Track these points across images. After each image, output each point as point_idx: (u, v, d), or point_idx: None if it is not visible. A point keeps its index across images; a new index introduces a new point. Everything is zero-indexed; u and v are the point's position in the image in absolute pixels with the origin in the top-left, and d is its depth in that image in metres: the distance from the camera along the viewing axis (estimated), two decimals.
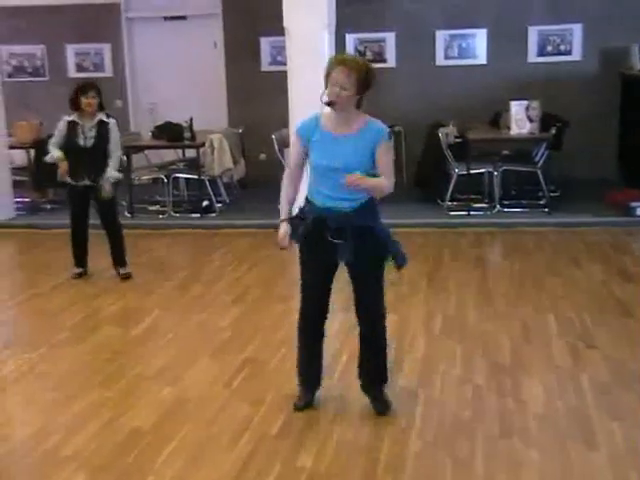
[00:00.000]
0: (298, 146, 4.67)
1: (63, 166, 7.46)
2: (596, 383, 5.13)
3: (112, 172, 7.59)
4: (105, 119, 7.60)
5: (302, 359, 4.96)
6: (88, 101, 7.42)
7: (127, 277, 7.86)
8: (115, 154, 7.66)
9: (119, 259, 7.91)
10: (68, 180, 7.57)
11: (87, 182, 7.56)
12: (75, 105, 7.48)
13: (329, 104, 4.43)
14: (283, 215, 4.73)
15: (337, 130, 4.55)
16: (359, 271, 4.75)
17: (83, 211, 7.77)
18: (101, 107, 7.60)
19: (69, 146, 7.50)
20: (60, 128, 7.54)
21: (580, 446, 4.33)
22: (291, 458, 4.29)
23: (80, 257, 7.87)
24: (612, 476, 4.03)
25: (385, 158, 4.57)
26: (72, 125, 7.50)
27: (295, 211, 4.74)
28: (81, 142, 7.50)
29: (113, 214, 7.94)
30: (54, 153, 7.50)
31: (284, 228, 4.71)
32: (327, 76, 4.47)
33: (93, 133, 7.52)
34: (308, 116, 4.69)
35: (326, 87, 4.46)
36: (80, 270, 7.84)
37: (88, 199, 7.70)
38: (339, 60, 4.50)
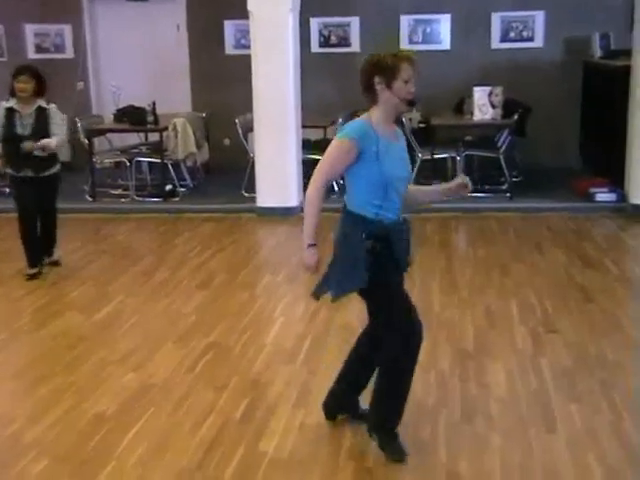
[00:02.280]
0: (350, 157, 4.00)
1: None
2: (557, 367, 5.20)
3: (50, 141, 7.09)
4: (45, 105, 7.20)
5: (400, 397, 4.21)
6: (20, 86, 7.01)
7: (56, 264, 7.69)
8: (58, 136, 7.20)
9: (50, 247, 7.66)
10: (9, 171, 7.27)
11: (29, 173, 7.21)
12: (12, 90, 7.09)
13: (411, 103, 4.06)
14: (311, 239, 4.14)
15: (390, 136, 4.10)
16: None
17: (31, 204, 7.35)
18: (40, 92, 7.17)
19: (8, 135, 7.11)
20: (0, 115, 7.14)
21: (540, 429, 4.39)
22: (254, 443, 4.31)
23: (34, 256, 7.43)
24: (570, 458, 4.09)
25: None
26: (10, 112, 7.10)
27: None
28: (19, 130, 7.08)
29: (52, 200, 7.51)
30: None
31: (314, 254, 4.14)
32: (394, 69, 3.92)
33: (31, 121, 7.09)
34: (353, 123, 4.13)
35: (390, 83, 3.94)
36: (34, 271, 7.38)
37: (34, 191, 7.28)
38: (404, 57, 3.99)
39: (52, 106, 7.25)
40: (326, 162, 4.05)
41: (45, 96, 7.26)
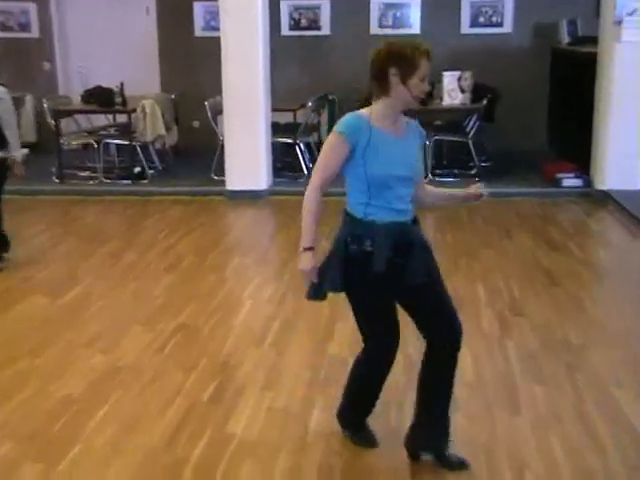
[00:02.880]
0: (343, 153, 3.69)
1: None
2: (522, 350, 5.25)
3: (19, 150, 6.79)
4: None
5: (369, 397, 4.13)
6: None
7: None
8: (12, 127, 6.77)
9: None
10: None
11: None
12: None
13: (423, 101, 3.86)
14: (309, 242, 3.80)
15: (393, 130, 3.74)
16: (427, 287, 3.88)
17: None
18: None
19: None
20: None
21: (505, 411, 4.43)
22: (222, 424, 4.32)
23: None
24: (534, 440, 4.13)
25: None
26: None
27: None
28: None
29: None
30: None
31: (311, 258, 3.81)
32: (413, 63, 3.60)
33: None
34: (349, 117, 3.77)
35: (406, 77, 3.60)
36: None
37: None
38: (426, 51, 3.63)
39: (0, 89, 6.74)
40: (320, 161, 3.78)
41: None
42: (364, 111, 3.75)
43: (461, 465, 3.89)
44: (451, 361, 3.87)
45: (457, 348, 3.85)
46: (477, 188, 3.97)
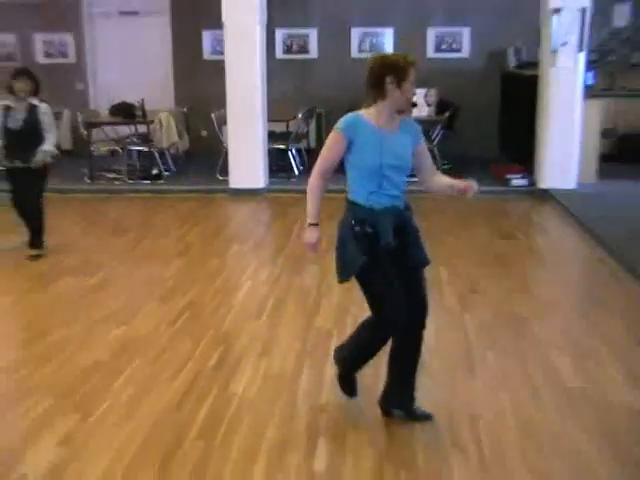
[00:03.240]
0: (340, 147, 3.70)
1: None
2: (477, 321, 5.25)
3: (47, 146, 6.81)
4: (37, 103, 6.84)
5: (364, 360, 4.01)
6: (19, 85, 6.70)
7: (36, 258, 6.94)
8: (49, 135, 6.84)
9: (32, 240, 7.04)
10: (3, 162, 6.89)
11: (18, 164, 6.78)
12: (10, 89, 6.76)
13: (414, 104, 3.84)
14: (314, 219, 3.80)
15: (387, 127, 3.71)
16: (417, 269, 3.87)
17: (20, 190, 6.91)
18: (35, 92, 6.82)
19: (4, 129, 6.77)
20: None
21: (462, 372, 4.43)
22: (225, 386, 4.29)
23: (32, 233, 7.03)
24: (486, 396, 4.14)
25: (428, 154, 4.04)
26: (6, 109, 6.78)
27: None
28: (11, 124, 6.75)
29: (38, 193, 7.00)
30: None
31: (316, 232, 3.80)
32: (405, 71, 3.65)
33: (22, 116, 6.73)
34: (349, 116, 3.74)
35: (401, 83, 3.63)
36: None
37: (20, 181, 6.87)
38: (414, 62, 3.72)
39: (43, 105, 6.88)
40: (322, 153, 3.76)
41: (39, 95, 6.91)
42: (361, 111, 3.76)
43: (426, 417, 3.90)
44: (418, 336, 3.87)
45: (423, 326, 3.86)
46: (470, 183, 3.88)
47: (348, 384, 4.09)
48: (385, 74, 3.64)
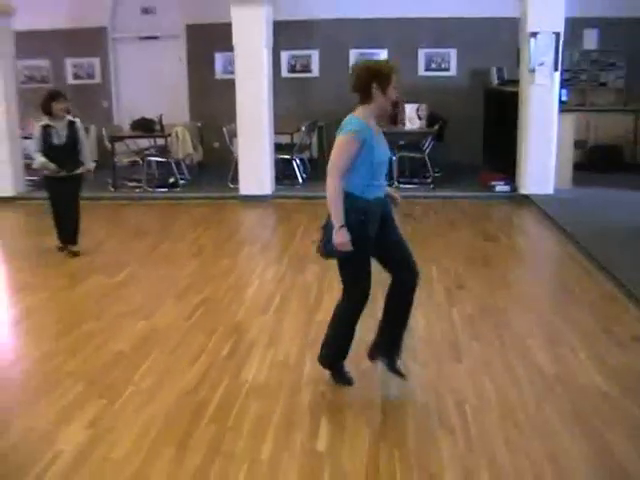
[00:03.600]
0: (356, 149, 3.75)
1: (51, 167, 6.86)
2: (463, 314, 5.27)
3: (90, 163, 7.16)
4: (72, 119, 7.00)
5: (348, 338, 4.13)
6: (59, 106, 6.84)
7: (77, 254, 7.11)
8: (86, 147, 7.15)
9: (74, 238, 7.20)
10: (54, 173, 6.94)
11: (64, 173, 6.93)
12: (47, 110, 6.86)
13: (396, 104, 3.97)
14: (343, 221, 3.75)
15: (375, 128, 3.89)
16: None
17: (63, 198, 7.06)
18: (68, 110, 7.06)
19: (47, 146, 6.88)
20: (37, 134, 6.91)
21: (450, 360, 4.47)
22: (237, 374, 4.33)
23: (66, 236, 7.17)
24: (471, 381, 4.17)
25: None
26: (46, 128, 6.89)
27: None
28: (56, 141, 6.87)
29: (78, 198, 7.21)
30: (39, 159, 6.89)
31: (347, 233, 3.76)
32: (389, 77, 3.78)
33: (65, 132, 6.89)
34: (353, 120, 3.82)
35: (385, 88, 3.77)
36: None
37: (65, 187, 7.01)
38: (395, 67, 3.85)
39: (77, 120, 7.09)
40: (338, 158, 3.76)
41: (70, 113, 7.12)
42: (359, 115, 3.84)
43: (401, 375, 4.10)
44: (411, 295, 4.04)
45: (416, 284, 4.03)
46: (397, 194, 4.17)
47: (343, 376, 4.16)
48: (370, 81, 3.77)
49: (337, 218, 3.77)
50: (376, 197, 3.87)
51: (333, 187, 3.77)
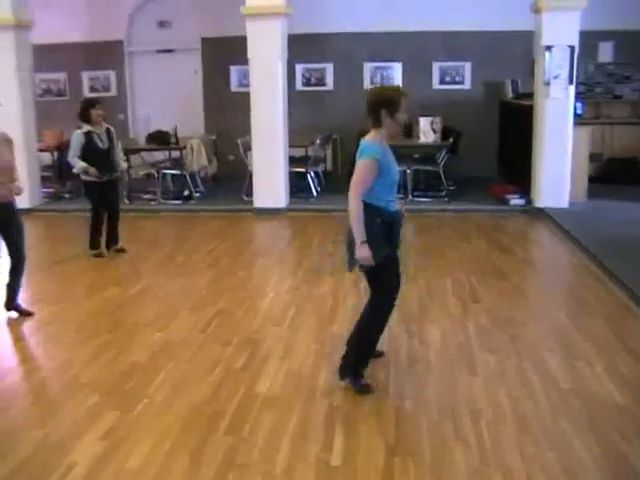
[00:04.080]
0: (376, 171, 4.03)
1: (92, 170, 7.23)
2: (478, 327, 5.26)
3: (123, 164, 7.81)
4: (108, 126, 7.50)
5: (373, 346, 4.41)
6: (98, 112, 7.25)
7: (124, 250, 7.72)
8: (119, 153, 7.66)
9: (117, 237, 7.75)
10: (95, 177, 7.31)
11: (107, 176, 7.41)
12: (86, 118, 7.24)
13: (406, 126, 4.20)
14: (364, 236, 3.99)
15: (387, 148, 4.19)
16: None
17: (106, 201, 7.55)
18: (104, 117, 7.45)
19: (91, 151, 7.24)
20: (79, 140, 7.22)
21: (465, 372, 4.45)
22: (251, 386, 4.34)
23: (99, 241, 7.60)
24: (486, 393, 4.15)
25: None
26: (89, 134, 7.26)
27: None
28: (100, 145, 7.33)
29: (119, 200, 7.87)
30: (80, 164, 7.21)
31: (368, 249, 3.98)
32: (397, 104, 4.04)
33: (105, 137, 7.39)
34: (371, 146, 4.09)
35: (393, 114, 4.05)
36: (99, 251, 7.58)
37: (107, 191, 7.51)
38: (405, 93, 4.11)
39: (111, 127, 7.57)
40: (361, 180, 4.04)
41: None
42: (374, 139, 4.14)
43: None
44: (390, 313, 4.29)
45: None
46: (403, 207, 4.39)
47: (364, 385, 4.21)
48: (380, 108, 4.08)
49: (359, 235, 4.00)
50: (395, 210, 4.18)
51: (355, 207, 4.02)
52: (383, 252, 4.05)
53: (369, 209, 4.04)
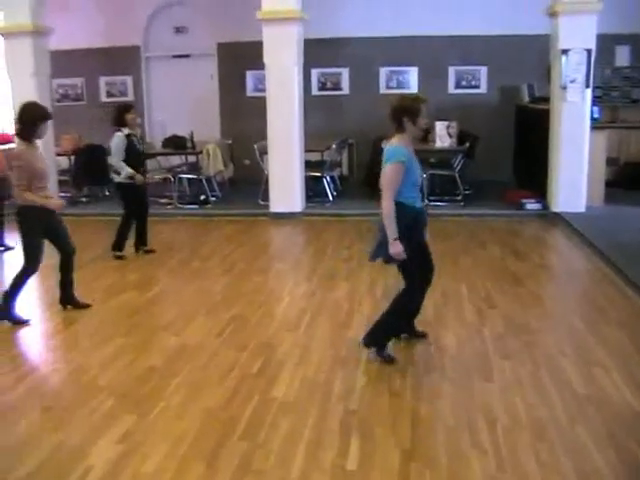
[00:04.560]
0: (403, 173, 4.45)
1: (139, 177, 7.45)
2: (494, 333, 5.24)
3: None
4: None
5: (409, 312, 4.95)
6: (133, 117, 7.41)
7: (153, 251, 7.90)
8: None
9: (146, 239, 7.95)
10: (129, 184, 7.47)
11: (143, 178, 7.63)
12: (122, 122, 7.37)
13: (427, 131, 4.52)
14: (397, 234, 4.42)
15: (412, 151, 4.58)
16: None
17: (139, 203, 7.72)
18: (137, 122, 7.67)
19: (132, 153, 7.42)
20: (122, 143, 7.36)
21: (481, 379, 4.43)
22: (267, 391, 4.34)
23: (125, 243, 7.71)
24: (502, 401, 4.13)
25: None
26: (129, 137, 7.42)
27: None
28: (139, 148, 7.57)
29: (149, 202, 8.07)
30: (127, 170, 7.37)
31: (400, 244, 4.42)
32: (417, 111, 4.44)
33: (140, 140, 7.66)
34: (398, 150, 4.49)
35: (414, 120, 4.45)
36: (124, 253, 7.70)
37: (140, 193, 7.68)
38: (424, 100, 4.51)
39: (139, 131, 7.90)
40: (391, 182, 4.46)
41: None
42: (399, 142, 4.53)
43: (425, 335, 5.12)
44: (427, 288, 4.91)
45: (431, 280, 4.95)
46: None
47: (388, 355, 4.72)
48: (402, 115, 4.48)
49: (391, 231, 4.44)
50: (420, 206, 4.66)
51: (388, 207, 4.45)
52: (413, 243, 4.51)
53: (398, 207, 4.45)
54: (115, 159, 7.44)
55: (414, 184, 4.57)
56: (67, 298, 6.03)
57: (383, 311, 4.81)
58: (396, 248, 4.43)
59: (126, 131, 7.40)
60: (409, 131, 4.50)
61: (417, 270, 4.69)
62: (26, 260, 5.62)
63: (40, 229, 5.64)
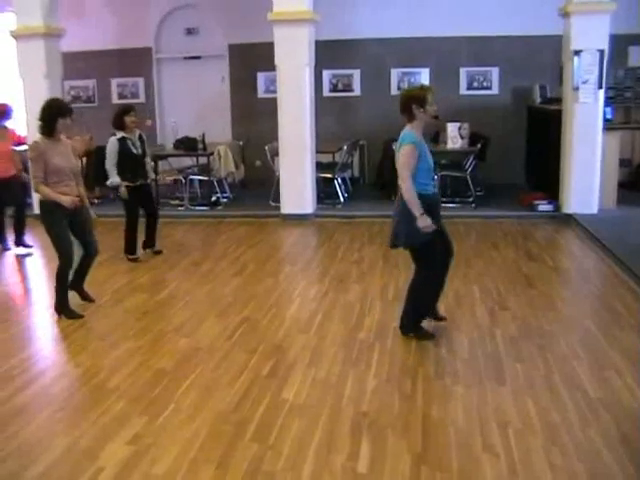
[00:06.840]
0: (416, 155, 4.75)
1: (122, 190, 7.43)
2: (506, 336, 5.21)
3: (152, 173, 8.03)
4: (140, 132, 7.68)
5: (433, 295, 5.22)
6: (132, 119, 7.39)
7: (161, 252, 7.98)
8: (149, 160, 7.90)
9: (154, 241, 8.01)
10: (127, 187, 7.46)
11: (141, 181, 7.61)
12: (120, 124, 7.38)
13: (437, 117, 4.85)
14: (422, 209, 4.71)
15: (422, 139, 4.84)
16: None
17: (139, 205, 7.73)
18: (137, 124, 7.62)
19: (126, 156, 7.40)
20: (114, 148, 7.38)
21: (493, 382, 4.41)
22: (277, 393, 4.34)
23: (135, 245, 7.74)
24: (515, 404, 4.11)
25: None
26: (123, 140, 7.40)
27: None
28: (134, 151, 7.49)
29: (155, 205, 8.11)
30: (115, 179, 7.40)
31: (427, 218, 4.73)
32: (424, 97, 4.77)
33: (138, 143, 7.56)
34: (409, 134, 4.81)
35: (423, 107, 4.77)
36: (137, 256, 7.75)
37: (141, 195, 7.67)
38: (429, 89, 4.87)
39: (143, 133, 7.76)
40: (406, 163, 4.74)
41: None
42: (410, 129, 4.82)
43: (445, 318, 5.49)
44: (447, 271, 5.19)
45: (451, 263, 5.23)
46: None
47: (425, 332, 5.12)
48: (411, 104, 4.81)
49: (416, 208, 4.72)
50: (433, 192, 4.96)
51: (407, 186, 4.73)
52: (422, 235, 4.75)
53: None
54: (108, 164, 7.46)
55: (428, 170, 4.85)
56: (76, 284, 6.15)
57: (405, 302, 5.16)
58: (424, 222, 4.70)
59: (120, 135, 7.40)
60: (419, 118, 4.80)
61: (436, 255, 4.96)
62: (58, 255, 5.81)
63: (63, 222, 5.74)
